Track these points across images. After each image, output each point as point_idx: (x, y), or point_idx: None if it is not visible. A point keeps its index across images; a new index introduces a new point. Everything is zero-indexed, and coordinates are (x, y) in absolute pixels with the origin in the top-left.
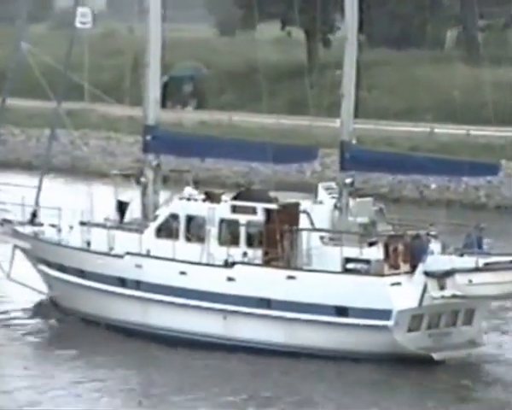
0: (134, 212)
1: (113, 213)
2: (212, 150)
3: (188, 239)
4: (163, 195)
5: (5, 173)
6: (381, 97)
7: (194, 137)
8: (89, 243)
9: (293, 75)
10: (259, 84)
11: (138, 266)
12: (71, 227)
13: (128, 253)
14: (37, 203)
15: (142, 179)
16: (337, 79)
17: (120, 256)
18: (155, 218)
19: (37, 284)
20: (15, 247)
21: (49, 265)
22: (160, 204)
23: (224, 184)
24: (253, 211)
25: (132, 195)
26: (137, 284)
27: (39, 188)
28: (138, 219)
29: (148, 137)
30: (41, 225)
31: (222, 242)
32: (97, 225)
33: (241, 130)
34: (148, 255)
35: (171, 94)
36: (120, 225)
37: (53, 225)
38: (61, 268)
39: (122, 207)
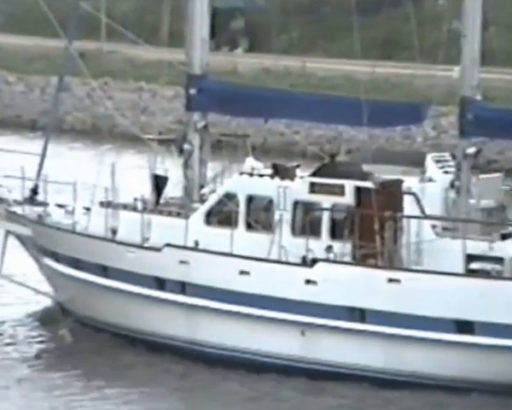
0: (174, 190)
1: (146, 192)
2: (283, 109)
3: (250, 227)
4: (213, 167)
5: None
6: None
7: (257, 91)
8: (114, 231)
9: (379, 5)
10: (334, 17)
11: (183, 262)
12: (87, 209)
13: (168, 245)
14: (39, 176)
15: (186, 146)
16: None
17: (158, 249)
18: (204, 198)
19: (40, 284)
20: (9, 233)
21: (58, 259)
22: (209, 180)
23: (299, 155)
24: (341, 191)
25: (172, 167)
26: (181, 287)
27: (43, 155)
28: (180, 199)
29: (193, 91)
30: (45, 204)
31: (297, 231)
32: (125, 206)
33: (317, 80)
34: (195, 248)
35: (215, 32)
36: (157, 207)
37: (61, 206)
38: (75, 264)
39: (159, 183)
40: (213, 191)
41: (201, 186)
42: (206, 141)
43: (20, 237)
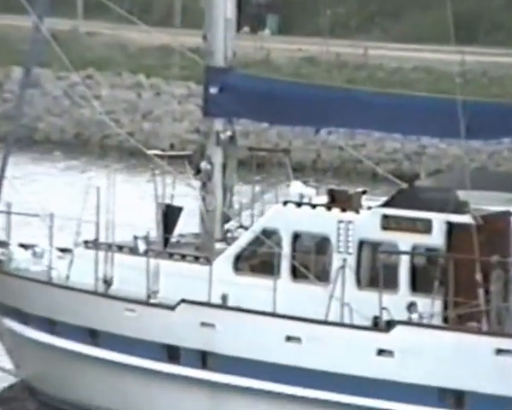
0: (188, 224)
1: (151, 228)
2: (342, 114)
3: (297, 276)
4: (242, 194)
5: None
6: None
7: (304, 89)
8: (107, 282)
9: None
10: None
11: (205, 324)
12: (64, 251)
13: (184, 301)
14: None
15: (204, 165)
16: None
17: (170, 307)
18: (229, 236)
19: None
20: None
21: (26, 320)
22: (236, 211)
23: (366, 177)
24: (426, 227)
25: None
26: (202, 359)
27: (2, 176)
28: (196, 237)
29: (214, 89)
30: (5, 244)
31: (365, 282)
32: (121, 248)
33: (384, 73)
34: (223, 306)
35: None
36: (168, 249)
37: (27, 246)
38: (51, 327)
39: (170, 216)
40: (244, 227)
41: (226, 220)
42: (232, 158)
43: None
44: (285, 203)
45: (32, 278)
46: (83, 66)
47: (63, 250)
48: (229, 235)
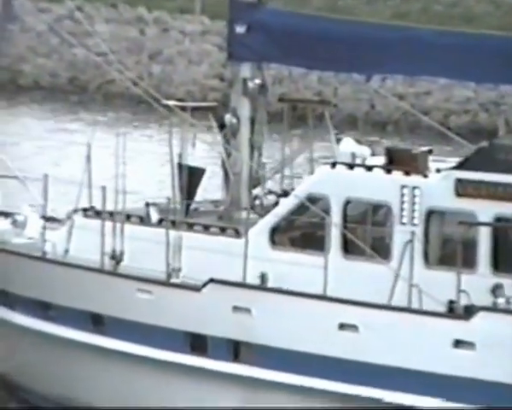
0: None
1: (166, 194)
2: (400, 57)
3: (350, 252)
4: (275, 153)
5: None
6: None
7: (353, 27)
8: (115, 258)
9: None
10: None
11: (238, 309)
12: (53, 221)
13: (213, 281)
14: None
15: (228, 119)
16: None
17: (195, 288)
18: (258, 203)
19: None
20: None
21: (11, 303)
22: (268, 173)
23: (432, 133)
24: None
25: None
26: (236, 350)
27: None
28: (219, 204)
29: (241, 28)
30: None
31: (435, 260)
32: (130, 217)
33: (443, 7)
34: (261, 287)
35: None
36: (189, 218)
37: (7, 214)
38: (43, 311)
39: (191, 179)
40: (274, 193)
41: (254, 184)
42: (261, 110)
43: None
44: (334, 165)
45: (21, 252)
46: None
47: (49, 219)
48: (257, 202)
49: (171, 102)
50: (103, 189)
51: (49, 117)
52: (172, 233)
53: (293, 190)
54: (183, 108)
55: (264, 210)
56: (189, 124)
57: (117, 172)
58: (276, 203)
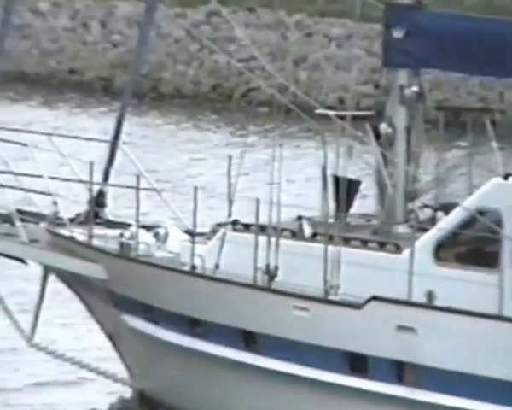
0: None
1: (316, 207)
2: None
3: None
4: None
5: None
6: None
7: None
8: (269, 273)
9: None
10: None
11: (404, 328)
12: (207, 234)
13: (376, 298)
14: (107, 176)
15: (384, 128)
16: None
17: (357, 306)
18: (413, 217)
19: (104, 362)
20: (49, 272)
21: (156, 318)
22: (426, 186)
23: None
24: None
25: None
26: (400, 372)
27: (116, 137)
28: (371, 216)
29: (398, 32)
30: (124, 225)
31: None
32: (283, 231)
33: None
34: (428, 305)
35: None
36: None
37: (150, 228)
38: (191, 328)
39: (348, 191)
40: (431, 207)
41: (411, 197)
42: (418, 119)
43: (70, 280)
44: (506, 177)
45: (169, 266)
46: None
47: (193, 233)
48: (413, 217)
49: (329, 112)
50: (257, 201)
51: (193, 126)
52: (329, 248)
53: (452, 204)
54: (342, 118)
55: (421, 225)
56: (347, 134)
57: (271, 185)
58: (433, 218)
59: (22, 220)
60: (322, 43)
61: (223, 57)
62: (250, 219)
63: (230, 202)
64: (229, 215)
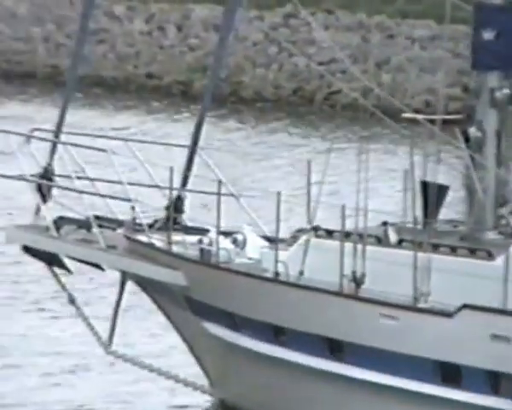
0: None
1: (400, 211)
2: None
3: None
4: None
5: None
6: None
7: None
8: (356, 281)
9: None
10: None
11: (499, 337)
12: (287, 241)
13: (467, 306)
14: (185, 182)
15: (473, 132)
16: None
17: (448, 314)
18: (503, 223)
19: (182, 369)
20: (126, 278)
21: (238, 326)
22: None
23: None
24: None
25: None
26: (495, 383)
27: (195, 140)
28: (458, 221)
29: (489, 34)
30: (203, 231)
31: None
32: (368, 237)
33: None
34: None
35: None
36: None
37: (228, 233)
38: (274, 335)
39: (435, 197)
40: None
41: (501, 202)
42: (509, 122)
43: (147, 286)
44: None
45: (251, 273)
46: (279, 1)
47: (273, 239)
48: (502, 222)
49: (418, 116)
50: (343, 208)
51: (274, 130)
52: (418, 255)
53: None
54: (432, 122)
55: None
56: (438, 138)
57: (358, 190)
58: None
59: (99, 226)
60: (405, 44)
61: (302, 60)
62: (328, 225)
63: (314, 208)
64: (310, 221)
